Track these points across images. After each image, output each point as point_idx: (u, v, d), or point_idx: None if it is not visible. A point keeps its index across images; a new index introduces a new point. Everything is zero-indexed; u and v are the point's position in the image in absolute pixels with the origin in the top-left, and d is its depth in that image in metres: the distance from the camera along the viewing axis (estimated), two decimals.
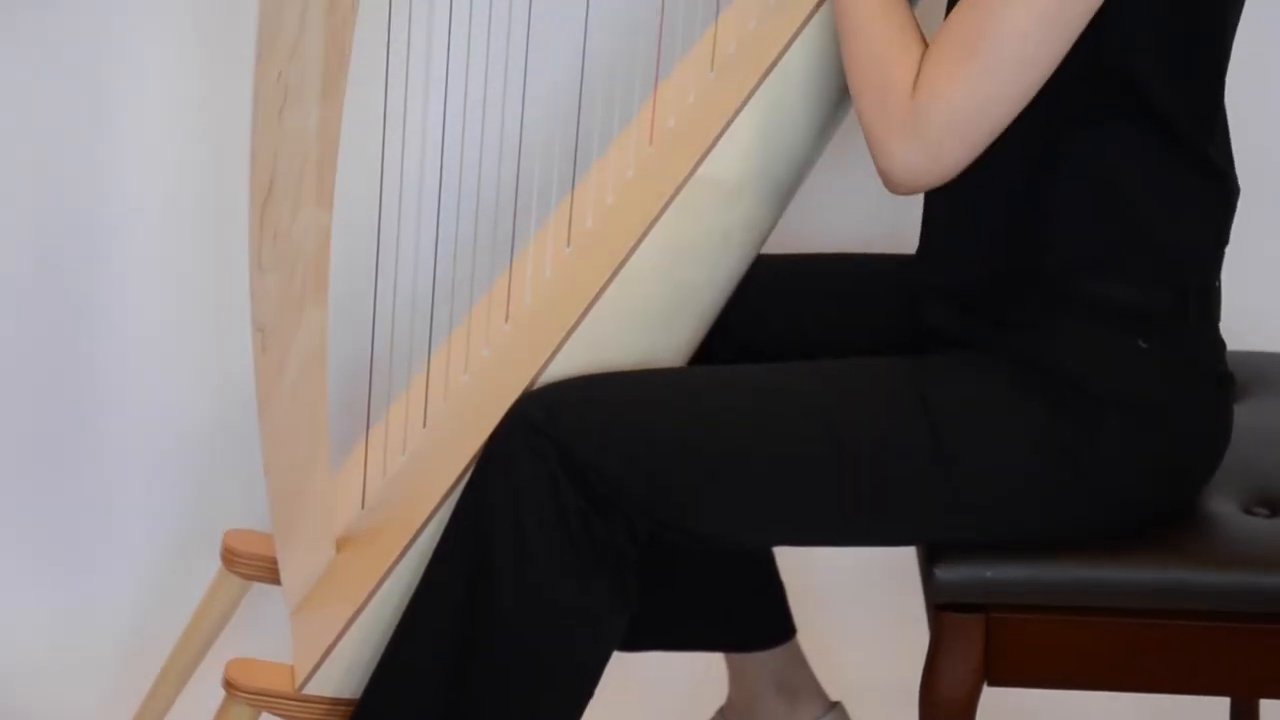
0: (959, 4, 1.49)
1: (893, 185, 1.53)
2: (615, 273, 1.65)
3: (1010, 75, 1.46)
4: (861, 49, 1.54)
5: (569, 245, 1.72)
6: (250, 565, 1.83)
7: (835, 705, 1.90)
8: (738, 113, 1.65)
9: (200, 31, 2.08)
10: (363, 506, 1.70)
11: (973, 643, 1.57)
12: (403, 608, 1.60)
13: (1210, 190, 1.57)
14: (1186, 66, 1.53)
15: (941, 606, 1.58)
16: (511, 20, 1.74)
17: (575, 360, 1.63)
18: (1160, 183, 1.54)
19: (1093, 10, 1.46)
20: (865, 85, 1.53)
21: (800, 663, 1.90)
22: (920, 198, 1.64)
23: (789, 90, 1.65)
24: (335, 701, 1.62)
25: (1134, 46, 1.50)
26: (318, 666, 1.61)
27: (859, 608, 2.24)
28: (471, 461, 1.61)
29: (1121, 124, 1.53)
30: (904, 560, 1.80)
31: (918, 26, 1.55)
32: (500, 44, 1.72)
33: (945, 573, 1.57)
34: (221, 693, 1.64)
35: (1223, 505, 1.61)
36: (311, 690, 1.62)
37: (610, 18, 1.90)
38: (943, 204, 1.63)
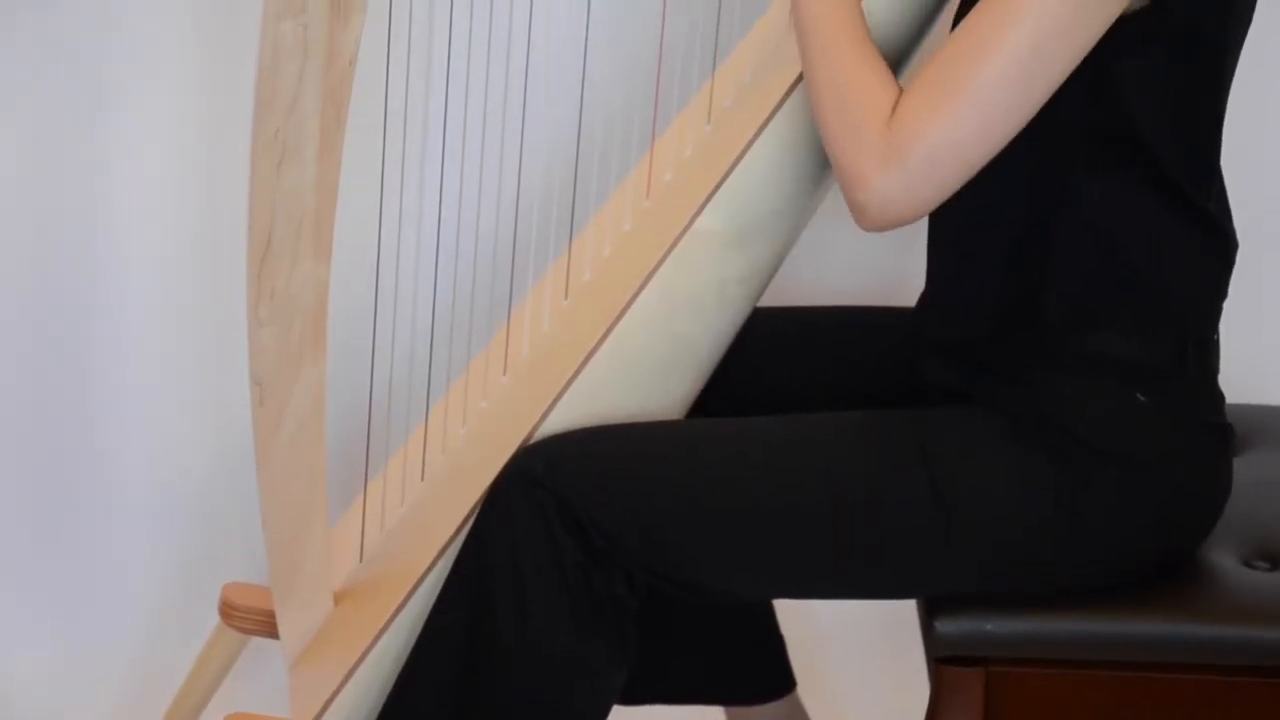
0: (949, 39, 1.49)
1: (865, 218, 1.51)
2: (612, 325, 1.65)
3: (994, 115, 1.46)
4: (834, 81, 1.53)
5: (567, 297, 1.72)
6: (248, 619, 1.82)
7: None
8: (734, 166, 1.66)
9: (198, 88, 2.08)
10: (361, 559, 1.70)
11: (973, 696, 1.57)
12: (401, 661, 1.60)
13: (1209, 243, 1.57)
14: (1187, 121, 1.53)
15: (942, 660, 1.58)
16: (509, 73, 1.74)
17: (573, 412, 1.64)
18: (1160, 234, 1.55)
19: (1081, 55, 1.46)
20: (839, 116, 1.52)
21: (800, 716, 1.90)
22: (910, 245, 1.64)
23: (785, 143, 1.66)
24: None
25: (1140, 100, 1.51)
26: None
27: (859, 661, 2.23)
28: (470, 514, 1.61)
29: (1124, 175, 1.53)
30: (904, 613, 1.79)
31: (884, 61, 1.54)
32: (498, 97, 1.72)
33: (945, 626, 1.56)
34: None
35: (1223, 558, 1.61)
36: None
37: (608, 72, 1.90)
38: (946, 256, 1.63)
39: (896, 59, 1.63)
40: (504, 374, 1.72)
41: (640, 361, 1.65)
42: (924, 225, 1.66)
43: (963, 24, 1.48)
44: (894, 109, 1.49)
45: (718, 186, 1.66)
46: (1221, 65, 1.54)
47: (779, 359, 1.76)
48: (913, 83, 1.50)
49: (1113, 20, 1.46)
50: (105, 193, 2.12)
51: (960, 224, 1.60)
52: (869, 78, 1.52)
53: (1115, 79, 1.49)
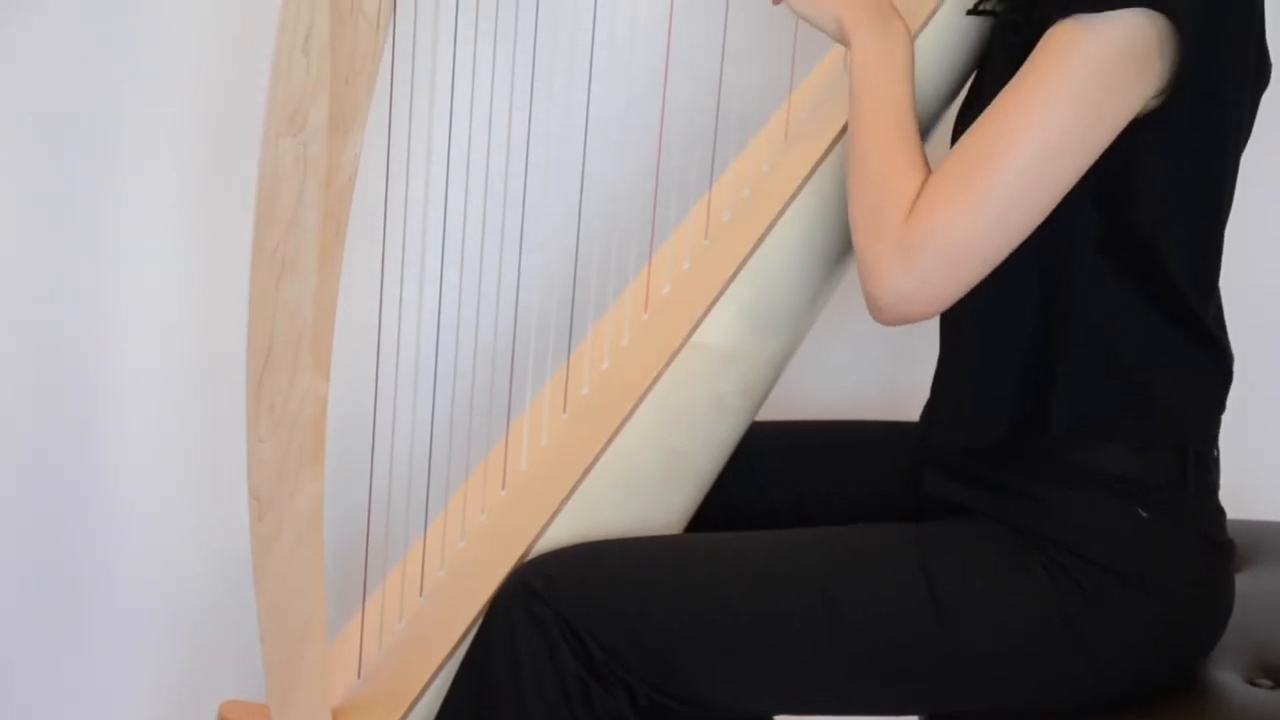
0: (964, 136, 1.50)
1: (879, 311, 1.51)
2: (610, 439, 1.65)
3: (1008, 213, 1.47)
4: (867, 165, 1.54)
5: (565, 411, 1.72)
6: None
7: None
8: (732, 280, 1.66)
9: (198, 203, 2.09)
10: (359, 675, 1.69)
11: None
12: None
13: (1209, 356, 1.57)
14: (1192, 231, 1.54)
15: None
16: (508, 187, 1.75)
17: (571, 527, 1.63)
18: (1164, 346, 1.55)
19: (1096, 154, 1.47)
20: (864, 201, 1.53)
21: None
22: (909, 358, 1.64)
23: (783, 257, 1.66)
24: None
25: (1149, 208, 1.52)
26: None
27: None
28: (469, 628, 1.60)
29: (1132, 285, 1.54)
30: None
31: (922, 147, 1.55)
32: (497, 211, 1.73)
33: None
34: None
35: (1225, 676, 1.59)
36: None
37: (606, 185, 1.91)
38: (956, 364, 1.63)
39: (933, 114, 1.65)
40: (503, 488, 1.72)
41: (638, 475, 1.65)
42: (926, 336, 1.66)
43: (981, 119, 1.49)
44: (915, 200, 1.50)
45: (715, 300, 1.67)
46: (1224, 172, 1.55)
47: (778, 472, 1.76)
48: (929, 180, 1.50)
49: (1128, 120, 1.47)
50: (105, 306, 2.12)
51: (971, 331, 1.60)
52: (900, 163, 1.52)
53: (1126, 186, 1.50)
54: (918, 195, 1.50)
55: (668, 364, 1.66)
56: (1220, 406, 1.59)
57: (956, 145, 1.50)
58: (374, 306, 1.61)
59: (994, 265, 1.49)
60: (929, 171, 1.52)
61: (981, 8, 1.65)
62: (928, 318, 1.51)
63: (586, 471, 1.65)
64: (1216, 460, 1.59)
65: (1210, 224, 1.56)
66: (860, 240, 1.52)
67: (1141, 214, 1.52)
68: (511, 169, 1.76)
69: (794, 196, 1.68)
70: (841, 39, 1.60)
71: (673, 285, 1.73)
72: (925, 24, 1.68)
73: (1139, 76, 1.46)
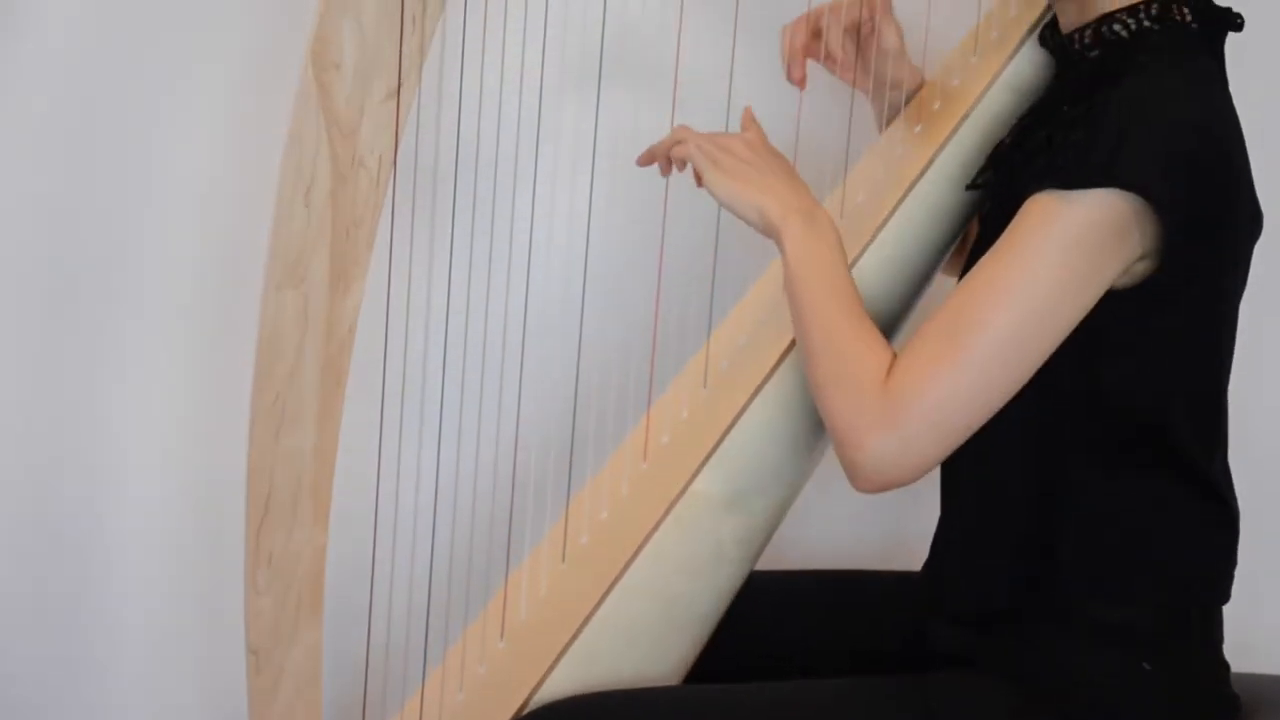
0: (946, 300, 1.51)
1: (861, 478, 1.50)
2: (609, 589, 1.64)
3: (992, 376, 1.47)
4: (828, 341, 1.54)
5: (564, 561, 1.72)
6: None
7: None
8: (730, 428, 1.66)
9: (197, 353, 2.10)
10: None
11: None
12: None
13: (1211, 513, 1.57)
14: (1195, 390, 1.54)
15: None
16: (506, 338, 1.76)
17: (570, 677, 1.62)
18: (1164, 506, 1.55)
19: (1075, 320, 1.47)
20: (834, 376, 1.52)
21: None
22: (908, 508, 1.64)
23: (782, 405, 1.66)
24: None
25: (1144, 374, 1.52)
26: None
27: None
28: None
29: (1131, 449, 1.54)
30: None
31: (875, 325, 1.56)
32: (495, 362, 1.73)
33: None
34: None
35: None
36: None
37: (603, 335, 1.92)
38: (954, 526, 1.63)
39: (885, 328, 1.65)
40: (501, 639, 1.71)
41: (637, 625, 1.64)
42: (924, 493, 1.66)
43: (961, 284, 1.50)
44: (890, 369, 1.50)
45: (714, 449, 1.66)
46: (1223, 328, 1.55)
47: (779, 621, 1.75)
48: (910, 342, 1.51)
49: (1112, 280, 1.47)
50: (103, 459, 2.12)
51: (970, 498, 1.61)
52: (863, 339, 1.53)
53: (1120, 351, 1.51)
54: (893, 362, 1.50)
55: (666, 513, 1.65)
56: (1225, 562, 1.59)
57: (938, 310, 1.51)
58: (373, 457, 1.61)
59: (976, 428, 1.49)
60: (891, 348, 1.53)
61: (978, 182, 1.66)
62: (908, 482, 1.51)
63: (586, 621, 1.64)
64: (1220, 613, 1.59)
65: (1212, 380, 1.56)
66: (837, 410, 1.51)
67: (1138, 378, 1.52)
68: (510, 320, 1.77)
69: (792, 345, 1.68)
70: (765, 229, 1.60)
71: (671, 434, 1.73)
72: (908, 192, 1.69)
73: (1118, 246, 1.47)
